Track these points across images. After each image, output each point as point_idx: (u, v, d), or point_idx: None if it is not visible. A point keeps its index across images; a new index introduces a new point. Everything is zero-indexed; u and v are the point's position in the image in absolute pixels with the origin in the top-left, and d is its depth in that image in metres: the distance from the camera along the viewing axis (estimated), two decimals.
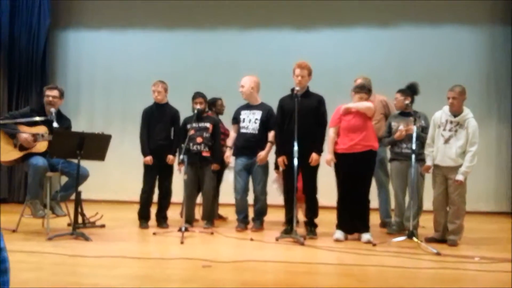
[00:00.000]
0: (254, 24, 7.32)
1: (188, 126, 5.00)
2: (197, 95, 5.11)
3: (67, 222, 4.80)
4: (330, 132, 4.49)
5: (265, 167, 4.95)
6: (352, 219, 4.37)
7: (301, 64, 4.56)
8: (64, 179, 4.72)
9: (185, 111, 5.21)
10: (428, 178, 4.55)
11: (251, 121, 4.92)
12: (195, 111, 4.97)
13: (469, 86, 4.48)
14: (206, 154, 5.02)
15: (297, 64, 4.58)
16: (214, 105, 5.61)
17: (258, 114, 4.93)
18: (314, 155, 4.45)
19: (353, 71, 5.15)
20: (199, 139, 5.01)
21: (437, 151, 4.29)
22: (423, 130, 4.59)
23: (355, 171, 4.31)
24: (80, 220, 4.75)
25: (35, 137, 4.53)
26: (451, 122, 4.24)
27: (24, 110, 4.83)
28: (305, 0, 7.08)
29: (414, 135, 4.29)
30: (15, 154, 4.52)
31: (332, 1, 7.06)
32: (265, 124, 4.90)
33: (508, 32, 6.73)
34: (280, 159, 4.58)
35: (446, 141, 4.24)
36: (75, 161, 4.30)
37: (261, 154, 4.83)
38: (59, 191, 4.69)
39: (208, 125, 5.08)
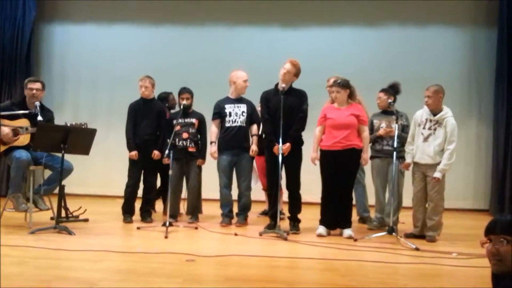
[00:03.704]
0: (242, 21, 7.30)
1: (174, 121, 5.01)
2: (184, 91, 5.11)
3: (50, 216, 4.77)
4: (316, 131, 4.53)
5: (250, 164, 4.99)
6: (335, 215, 4.44)
7: (293, 62, 4.55)
8: (47, 173, 4.70)
9: None
10: (408, 175, 4.64)
11: (238, 114, 4.94)
12: (181, 107, 4.98)
13: (451, 86, 4.58)
14: (192, 149, 5.03)
15: (290, 60, 4.56)
16: (166, 99, 5.59)
17: (243, 107, 4.97)
18: (287, 144, 4.40)
19: (340, 70, 5.17)
20: (185, 135, 5.01)
21: (417, 149, 4.37)
22: (404, 129, 4.69)
23: (338, 168, 4.37)
24: (63, 214, 4.73)
25: (17, 131, 4.49)
26: (431, 121, 4.32)
27: (5, 103, 4.79)
28: None
29: (396, 133, 4.38)
30: None
31: (320, 0, 7.11)
32: (250, 117, 4.96)
33: (489, 33, 6.85)
34: (276, 148, 4.43)
35: (425, 139, 4.32)
36: (59, 154, 4.27)
37: (253, 148, 4.88)
38: (43, 184, 4.65)
39: (194, 120, 5.09)
